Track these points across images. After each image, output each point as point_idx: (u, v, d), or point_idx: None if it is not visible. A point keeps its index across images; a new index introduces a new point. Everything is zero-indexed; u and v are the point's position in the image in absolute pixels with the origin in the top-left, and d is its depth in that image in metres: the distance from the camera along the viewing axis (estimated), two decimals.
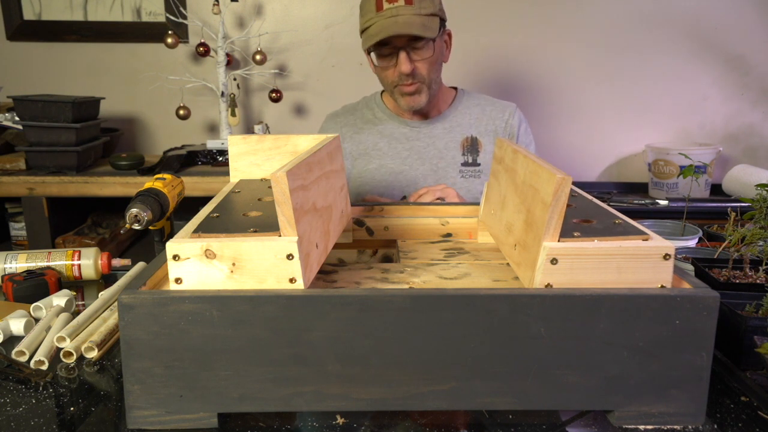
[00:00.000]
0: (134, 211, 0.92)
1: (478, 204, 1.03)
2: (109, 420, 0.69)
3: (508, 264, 0.86)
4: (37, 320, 0.95)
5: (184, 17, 2.17)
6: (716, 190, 2.18)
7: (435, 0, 1.35)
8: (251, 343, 0.64)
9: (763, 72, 2.25)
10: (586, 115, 2.31)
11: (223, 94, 2.11)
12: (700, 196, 2.11)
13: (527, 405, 0.66)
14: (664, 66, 2.26)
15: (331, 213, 0.83)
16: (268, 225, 0.69)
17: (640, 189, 2.29)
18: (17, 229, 2.06)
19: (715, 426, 0.67)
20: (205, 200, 0.86)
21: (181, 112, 2.11)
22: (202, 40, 2.11)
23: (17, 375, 0.78)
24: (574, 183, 0.75)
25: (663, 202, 2.08)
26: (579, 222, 0.73)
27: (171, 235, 0.85)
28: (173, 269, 0.65)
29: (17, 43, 2.25)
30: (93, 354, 0.82)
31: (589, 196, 0.86)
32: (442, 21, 1.39)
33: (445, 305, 0.63)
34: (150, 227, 0.97)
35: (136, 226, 0.92)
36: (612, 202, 2.03)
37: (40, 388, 0.76)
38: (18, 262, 1.12)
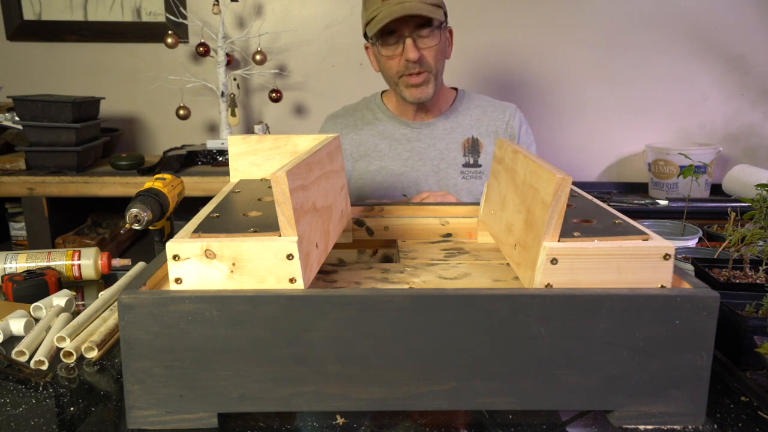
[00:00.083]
0: (134, 211, 0.92)
1: (478, 204, 1.03)
2: (109, 420, 0.69)
3: (508, 264, 0.86)
4: (37, 320, 0.95)
5: (184, 17, 2.17)
6: (716, 190, 2.18)
7: None
8: (251, 343, 0.64)
9: (763, 72, 2.25)
10: (586, 115, 2.31)
11: (223, 94, 2.11)
12: (700, 196, 2.11)
13: (527, 405, 0.66)
14: (664, 66, 2.26)
15: (331, 213, 0.83)
16: (268, 225, 0.69)
17: (640, 189, 2.29)
18: (17, 229, 2.06)
19: (715, 426, 0.67)
20: (205, 200, 0.86)
21: (181, 112, 2.11)
22: (202, 40, 2.12)
23: (17, 375, 0.78)
24: (574, 183, 0.75)
25: (663, 202, 2.08)
26: (579, 222, 0.73)
27: (171, 235, 0.85)
28: (173, 269, 0.65)
29: (17, 43, 2.25)
30: (93, 354, 0.82)
31: (589, 196, 0.86)
32: (445, 15, 1.39)
33: (445, 305, 0.63)
34: (150, 227, 0.97)
35: (136, 226, 0.92)
36: (612, 202, 2.03)
37: (40, 388, 0.76)
38: (18, 262, 1.12)
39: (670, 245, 0.66)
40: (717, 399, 0.73)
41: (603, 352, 0.64)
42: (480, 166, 1.45)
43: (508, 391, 0.66)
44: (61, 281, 1.09)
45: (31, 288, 1.03)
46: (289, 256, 0.64)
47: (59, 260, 1.13)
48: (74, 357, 0.82)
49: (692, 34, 2.22)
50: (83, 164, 1.93)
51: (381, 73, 1.46)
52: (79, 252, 1.14)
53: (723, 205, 1.62)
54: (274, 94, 2.16)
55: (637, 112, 2.30)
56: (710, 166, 2.13)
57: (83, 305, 1.04)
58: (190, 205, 1.07)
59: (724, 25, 2.21)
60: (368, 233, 1.02)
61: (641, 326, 0.64)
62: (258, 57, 2.14)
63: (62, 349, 0.83)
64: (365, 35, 1.44)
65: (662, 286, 0.66)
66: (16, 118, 1.88)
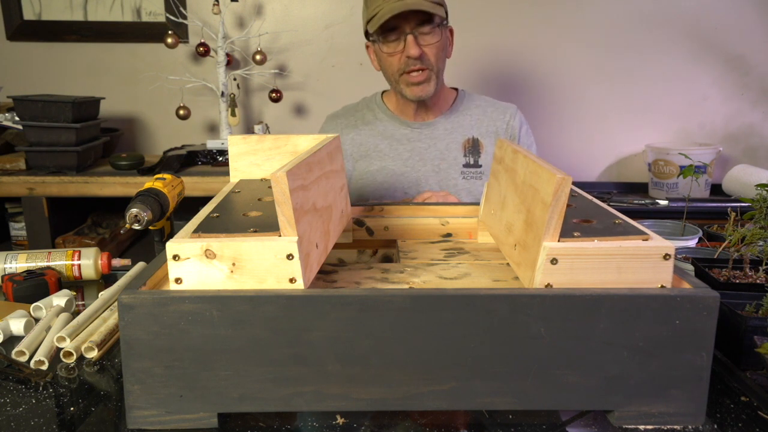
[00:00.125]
0: (134, 211, 0.92)
1: (478, 204, 1.03)
2: (109, 420, 0.69)
3: (508, 264, 0.86)
4: (37, 320, 0.95)
5: (184, 17, 2.17)
6: (716, 190, 2.18)
7: None
8: (251, 343, 0.64)
9: (763, 72, 2.25)
10: (586, 115, 2.31)
11: (223, 94, 2.11)
12: (700, 196, 2.11)
13: (527, 405, 0.66)
14: (664, 66, 2.26)
15: (331, 213, 0.83)
16: (268, 225, 0.69)
17: (640, 189, 2.29)
18: (17, 229, 2.06)
19: (715, 426, 0.67)
20: (205, 200, 0.86)
21: (181, 112, 2.11)
22: (202, 40, 2.12)
23: (17, 375, 0.78)
24: (574, 183, 0.75)
25: (663, 202, 2.08)
26: (579, 222, 0.73)
27: (171, 235, 0.85)
28: (173, 269, 0.65)
29: (17, 43, 2.25)
30: (93, 354, 0.82)
31: (589, 196, 0.86)
32: (446, 14, 1.39)
33: (445, 305, 0.63)
34: (150, 227, 0.97)
35: (136, 226, 0.92)
36: (612, 202, 2.03)
37: (40, 388, 0.76)
38: (18, 262, 1.12)
39: (670, 245, 0.66)
40: (717, 399, 0.73)
41: (603, 352, 0.64)
42: (480, 166, 1.45)
43: (508, 391, 0.66)
44: (61, 281, 1.09)
45: (31, 288, 1.03)
46: (289, 256, 0.64)
47: (59, 260, 1.13)
48: (74, 357, 0.82)
49: (692, 34, 2.22)
50: (83, 164, 1.93)
51: (382, 71, 1.45)
52: (79, 252, 1.14)
53: (723, 205, 1.62)
54: (274, 94, 2.16)
55: (637, 112, 2.30)
56: (710, 166, 2.13)
57: (83, 305, 1.04)
58: (190, 205, 1.07)
59: (724, 25, 2.21)
60: (368, 233, 1.02)
61: (641, 326, 0.64)
62: (258, 57, 2.14)
63: (62, 349, 0.83)
64: (366, 34, 1.44)
65: (662, 286, 0.66)
66: (16, 118, 1.88)
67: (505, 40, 2.26)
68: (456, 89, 1.55)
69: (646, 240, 0.67)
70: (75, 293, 1.02)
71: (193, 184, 1.85)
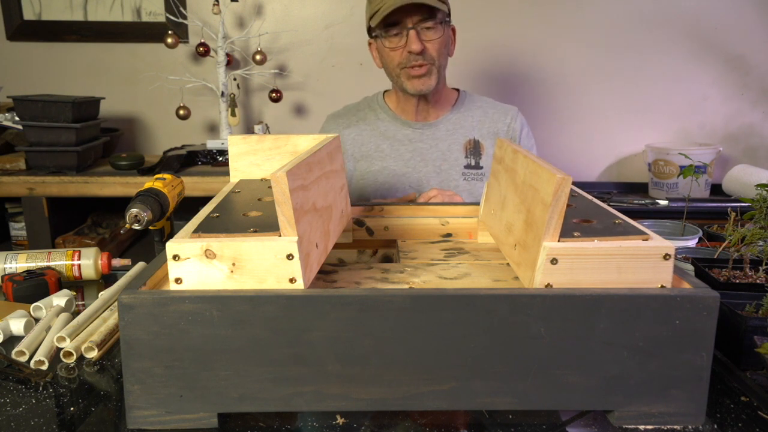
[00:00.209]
0: (134, 211, 0.92)
1: (478, 204, 1.03)
2: (109, 420, 0.69)
3: (508, 264, 0.86)
4: (37, 320, 0.95)
5: (184, 17, 2.17)
6: (716, 190, 2.18)
7: None
8: (251, 343, 0.64)
9: (763, 72, 2.25)
10: (586, 115, 2.31)
11: (223, 94, 2.11)
12: (700, 196, 2.11)
13: (527, 405, 0.66)
14: (664, 66, 2.26)
15: (331, 213, 0.83)
16: (268, 225, 0.69)
17: (640, 189, 2.29)
18: (17, 229, 2.06)
19: (715, 426, 0.67)
20: (205, 200, 0.86)
21: (181, 112, 2.11)
22: (202, 40, 2.12)
23: (17, 375, 0.78)
24: (574, 183, 0.75)
25: (663, 202, 2.08)
26: (579, 222, 0.73)
27: (171, 235, 0.85)
28: (173, 269, 0.65)
29: (17, 43, 2.25)
30: (93, 354, 0.82)
31: (589, 196, 0.86)
32: (449, 12, 1.39)
33: (445, 305, 0.63)
34: (150, 227, 0.97)
35: (136, 226, 0.92)
36: (612, 202, 2.03)
37: (40, 388, 0.76)
38: (18, 262, 1.12)
39: (670, 245, 0.66)
40: (717, 399, 0.73)
41: (603, 352, 0.64)
42: (481, 167, 1.45)
43: (508, 391, 0.66)
44: (61, 281, 1.09)
45: (31, 288, 1.03)
46: (289, 256, 0.64)
47: (59, 260, 1.13)
48: (74, 357, 0.82)
49: (692, 34, 2.22)
50: (83, 164, 1.93)
51: (383, 67, 1.45)
52: (79, 252, 1.14)
53: (723, 205, 1.63)
54: (274, 94, 2.16)
55: (637, 112, 2.30)
56: (710, 166, 2.13)
57: (83, 305, 1.04)
58: (190, 205, 1.07)
59: (724, 25, 2.21)
60: (368, 233, 1.02)
61: (641, 326, 0.64)
62: (258, 57, 2.14)
63: (62, 349, 0.83)
64: (369, 31, 1.44)
65: (662, 286, 0.66)
66: (16, 118, 1.88)
67: (505, 40, 2.26)
68: (457, 90, 1.55)
69: (646, 240, 0.67)
70: (75, 293, 1.02)
71: (193, 184, 1.85)
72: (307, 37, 2.26)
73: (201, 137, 2.32)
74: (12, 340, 0.89)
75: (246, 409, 0.66)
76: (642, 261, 0.66)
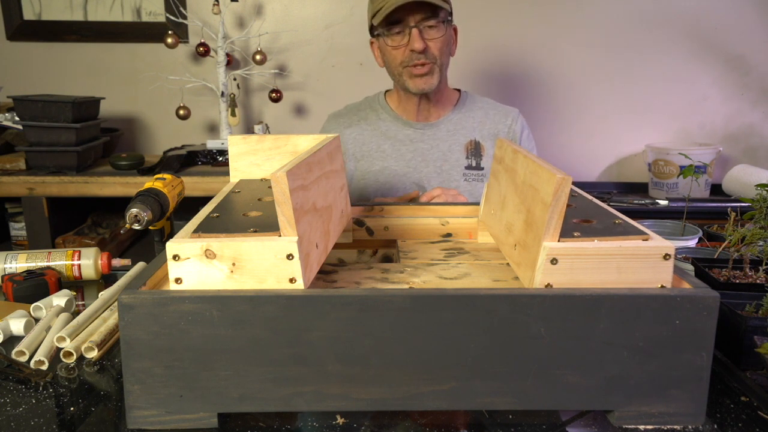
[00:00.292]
0: (134, 211, 0.92)
1: (478, 204, 1.03)
2: (109, 420, 0.69)
3: (508, 264, 0.86)
4: (37, 320, 0.95)
5: (184, 17, 2.17)
6: (716, 190, 2.18)
7: None
8: (251, 343, 0.64)
9: (763, 72, 2.25)
10: (586, 115, 2.31)
11: (223, 94, 2.11)
12: (700, 196, 2.11)
13: (527, 405, 0.66)
14: (664, 66, 2.26)
15: (331, 213, 0.83)
16: (268, 225, 0.69)
17: (640, 189, 2.29)
18: (17, 229, 2.06)
19: (715, 426, 0.67)
20: (205, 200, 0.86)
21: (181, 112, 2.11)
22: (202, 40, 2.12)
23: (17, 375, 0.78)
24: (574, 183, 0.75)
25: (663, 202, 2.08)
26: (579, 222, 0.73)
27: (171, 235, 0.85)
28: (173, 269, 0.65)
29: (17, 43, 2.25)
30: (93, 354, 0.82)
31: (589, 196, 0.86)
32: (451, 12, 1.40)
33: (445, 305, 0.63)
34: (150, 227, 0.97)
35: (136, 226, 0.92)
36: (612, 202, 2.03)
37: (40, 388, 0.76)
38: (18, 262, 1.12)
39: (670, 245, 0.66)
40: (717, 399, 0.73)
41: (603, 352, 0.64)
42: (482, 168, 1.45)
43: (508, 391, 0.66)
44: (61, 281, 1.09)
45: (31, 288, 1.03)
46: (289, 256, 0.64)
47: (59, 260, 1.13)
48: (74, 357, 0.82)
49: (692, 34, 2.22)
50: (83, 164, 1.93)
51: (385, 66, 1.45)
52: (79, 252, 1.14)
53: (723, 205, 1.62)
54: (274, 94, 2.16)
55: (637, 112, 2.30)
56: (710, 166, 2.13)
57: (83, 305, 1.04)
58: (190, 205, 1.07)
59: (724, 25, 2.21)
60: (368, 233, 1.02)
61: (641, 326, 0.64)
62: (258, 57, 2.14)
63: (62, 349, 0.83)
64: (371, 30, 1.44)
65: (662, 286, 0.66)
66: (16, 118, 1.88)
67: (505, 40, 2.26)
68: (459, 90, 1.55)
69: (646, 240, 0.67)
70: (75, 293, 1.02)
71: (193, 184, 1.85)
72: (307, 37, 2.26)
73: (201, 137, 2.32)
74: (12, 340, 0.89)
75: (246, 409, 0.66)
76: (642, 261, 0.66)
